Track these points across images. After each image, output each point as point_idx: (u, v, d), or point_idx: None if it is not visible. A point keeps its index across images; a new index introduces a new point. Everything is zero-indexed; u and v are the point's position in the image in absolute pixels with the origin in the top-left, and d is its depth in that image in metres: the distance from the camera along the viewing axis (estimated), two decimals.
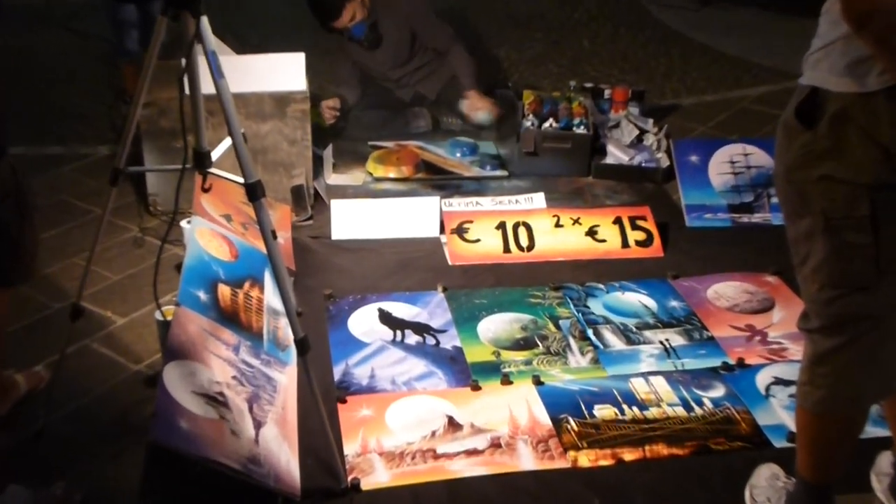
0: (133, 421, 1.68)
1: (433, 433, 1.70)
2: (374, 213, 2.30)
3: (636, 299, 2.11)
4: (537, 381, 1.86)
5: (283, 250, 2.05)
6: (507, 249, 2.27)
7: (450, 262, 2.22)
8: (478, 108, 2.71)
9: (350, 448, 1.66)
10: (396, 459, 1.65)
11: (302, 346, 1.54)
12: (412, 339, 1.97)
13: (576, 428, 1.70)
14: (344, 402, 1.79)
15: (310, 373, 1.55)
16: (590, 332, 1.99)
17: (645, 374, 1.85)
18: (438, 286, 2.12)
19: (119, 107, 2.82)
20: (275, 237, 1.56)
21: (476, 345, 1.95)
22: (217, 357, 1.59)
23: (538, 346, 1.95)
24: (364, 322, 2.02)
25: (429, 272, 2.16)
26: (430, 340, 1.97)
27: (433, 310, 2.06)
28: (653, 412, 1.75)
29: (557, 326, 2.01)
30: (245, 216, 2.01)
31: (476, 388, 1.85)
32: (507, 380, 1.87)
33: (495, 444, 1.67)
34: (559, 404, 1.78)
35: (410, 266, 2.20)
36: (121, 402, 1.74)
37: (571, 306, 2.08)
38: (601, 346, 1.95)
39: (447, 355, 1.92)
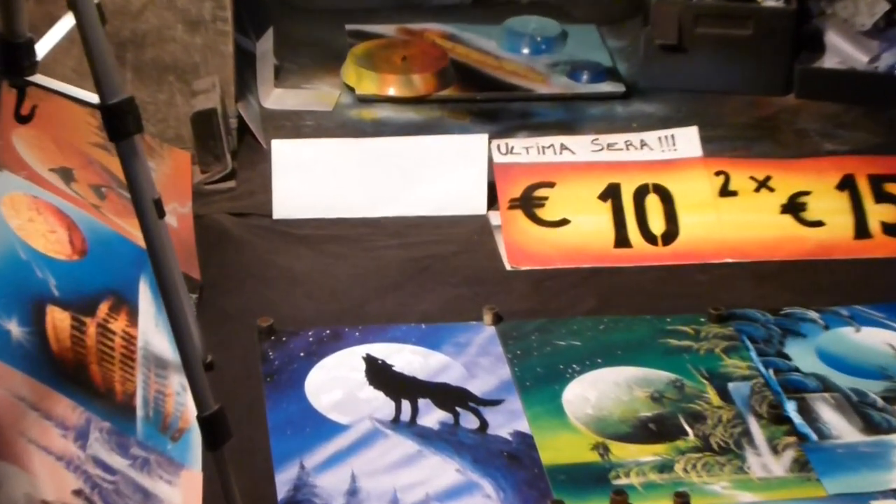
0: None
1: None
2: (358, 169, 2.19)
3: (884, 341, 1.92)
4: None
5: (177, 239, 1.92)
6: (622, 241, 2.13)
7: (508, 265, 2.09)
8: None
9: None
10: None
11: (213, 430, 1.43)
12: (433, 417, 1.75)
13: None
14: None
15: (229, 483, 1.44)
16: (790, 408, 1.78)
17: None
18: (486, 312, 1.92)
19: None
20: (161, 214, 1.41)
21: (560, 430, 1.74)
22: (45, 453, 1.49)
23: (686, 434, 1.72)
24: (337, 383, 1.82)
25: (466, 285, 2.04)
26: (469, 421, 1.75)
27: (475, 359, 1.85)
28: None
29: (725, 396, 1.80)
30: (101, 172, 2.02)
31: None
32: (622, 500, 1.57)
33: None
34: None
35: (430, 273, 2.08)
36: None
37: (753, 355, 1.87)
38: (813, 437, 1.73)
39: (501, 450, 1.69)
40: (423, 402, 1.78)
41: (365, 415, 1.74)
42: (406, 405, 1.77)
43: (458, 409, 1.76)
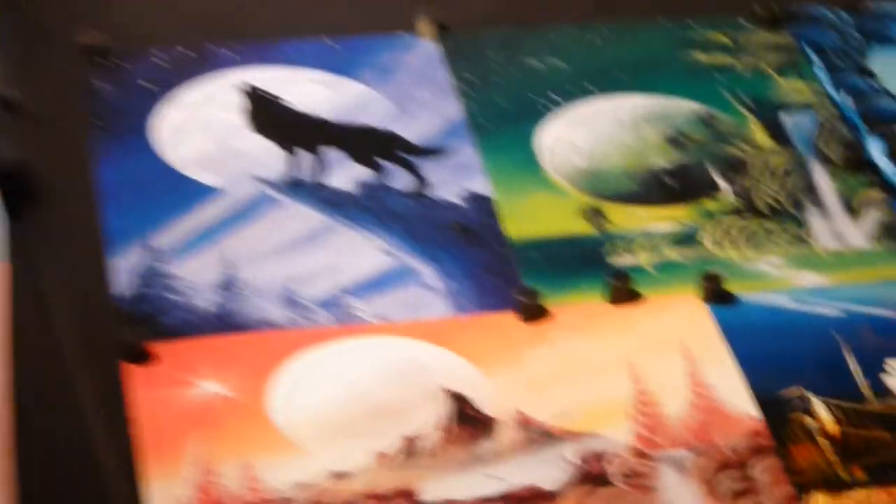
0: None
1: (409, 446, 1.25)
2: None
3: None
4: (715, 292, 1.34)
5: None
6: None
7: None
8: None
9: (165, 494, 1.22)
10: None
11: (13, 190, 1.40)
12: (347, 174, 1.52)
13: (830, 424, 1.25)
14: (142, 356, 1.32)
15: (43, 271, 1.36)
16: (875, 149, 1.51)
17: None
18: (422, 19, 1.66)
19: None
20: None
21: (533, 189, 1.48)
22: None
23: (718, 190, 1.47)
24: (202, 127, 1.58)
25: None
26: (400, 179, 1.51)
27: (408, 89, 1.61)
28: None
29: (777, 134, 1.51)
30: None
31: (532, 309, 1.33)
32: (623, 288, 1.35)
33: (591, 476, 1.21)
34: (783, 356, 1.30)
35: None
36: None
37: (821, 72, 1.59)
38: None
39: (448, 221, 1.47)
40: (330, 154, 1.54)
41: (244, 173, 1.50)
42: (306, 158, 1.54)
43: (382, 161, 1.53)
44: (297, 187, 1.48)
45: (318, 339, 1.31)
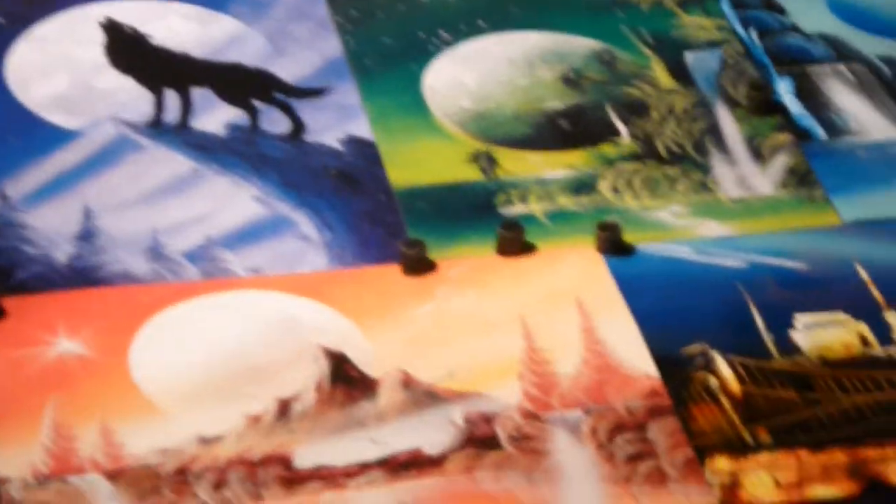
0: None
1: (283, 409, 1.23)
2: None
3: None
4: (612, 243, 1.34)
5: None
6: None
7: None
8: None
9: (18, 460, 1.18)
10: (169, 491, 1.19)
11: None
12: (217, 117, 1.48)
13: (734, 382, 1.25)
14: None
15: None
16: (783, 89, 1.50)
17: None
18: None
19: None
20: None
21: (419, 133, 1.47)
22: None
23: (617, 134, 1.46)
24: (58, 64, 1.53)
25: None
26: (276, 122, 1.48)
27: (283, 25, 1.57)
28: None
29: (680, 73, 1.52)
30: None
31: (418, 262, 1.33)
32: (515, 239, 1.34)
33: (478, 439, 1.19)
34: (684, 311, 1.30)
35: None
36: None
37: (725, 6, 1.59)
38: (820, 134, 1.46)
39: (327, 167, 1.45)
40: (199, 94, 1.51)
41: (105, 115, 1.47)
42: (173, 98, 1.51)
43: (256, 102, 1.50)
44: (162, 130, 1.44)
45: (185, 295, 1.29)
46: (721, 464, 1.17)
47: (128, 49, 1.55)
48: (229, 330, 1.26)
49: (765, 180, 1.45)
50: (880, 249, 1.36)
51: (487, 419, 1.19)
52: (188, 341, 1.25)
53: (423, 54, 1.56)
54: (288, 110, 1.48)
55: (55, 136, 1.46)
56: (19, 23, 1.53)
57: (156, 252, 1.33)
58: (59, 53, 1.55)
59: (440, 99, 1.52)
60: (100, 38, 1.53)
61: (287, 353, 1.24)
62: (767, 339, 1.27)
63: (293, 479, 1.14)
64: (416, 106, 1.51)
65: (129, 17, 1.57)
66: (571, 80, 1.54)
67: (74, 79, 1.52)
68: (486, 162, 1.45)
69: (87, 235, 1.35)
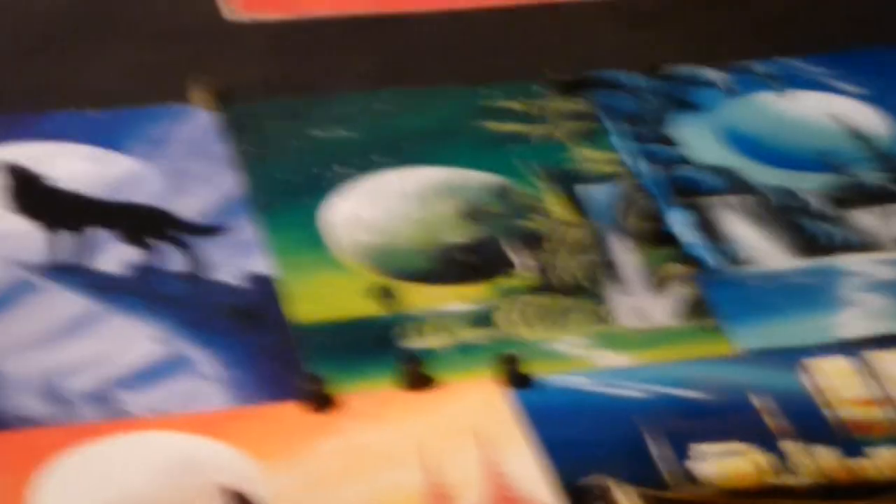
0: None
1: None
2: None
3: (823, 110, 1.72)
4: (512, 375, 1.34)
5: None
6: None
7: (230, 12, 1.84)
8: None
9: None
10: None
11: None
12: (115, 256, 1.47)
13: None
14: None
15: None
16: (676, 220, 1.54)
17: (852, 346, 1.41)
18: (196, 88, 1.67)
19: None
20: None
21: (318, 268, 1.47)
22: None
23: (512, 266, 1.47)
24: None
25: (165, 42, 1.77)
26: (174, 260, 1.48)
27: (182, 164, 1.58)
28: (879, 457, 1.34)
29: (575, 206, 1.54)
30: None
31: (320, 400, 1.32)
32: (416, 373, 1.34)
33: None
34: (585, 442, 1.30)
35: (103, 23, 1.78)
36: None
37: (618, 140, 1.64)
38: (713, 264, 1.49)
39: (225, 305, 1.44)
40: (98, 234, 1.49)
41: (2, 258, 1.46)
42: (70, 239, 1.50)
43: (153, 241, 1.49)
44: (60, 271, 1.43)
45: (84, 437, 1.26)
46: None
47: (26, 191, 1.54)
48: (129, 472, 1.24)
49: (660, 310, 1.46)
50: (774, 378, 1.37)
51: None
52: (88, 485, 1.22)
53: (321, 189, 1.55)
54: (185, 248, 1.47)
55: None
56: None
57: (53, 394, 1.30)
58: None
59: (339, 233, 1.52)
60: None
61: (187, 495, 1.21)
62: (665, 469, 1.28)
63: None
64: (316, 241, 1.51)
65: (24, 158, 1.56)
66: (468, 214, 1.54)
67: None
68: (387, 296, 1.45)
69: None
